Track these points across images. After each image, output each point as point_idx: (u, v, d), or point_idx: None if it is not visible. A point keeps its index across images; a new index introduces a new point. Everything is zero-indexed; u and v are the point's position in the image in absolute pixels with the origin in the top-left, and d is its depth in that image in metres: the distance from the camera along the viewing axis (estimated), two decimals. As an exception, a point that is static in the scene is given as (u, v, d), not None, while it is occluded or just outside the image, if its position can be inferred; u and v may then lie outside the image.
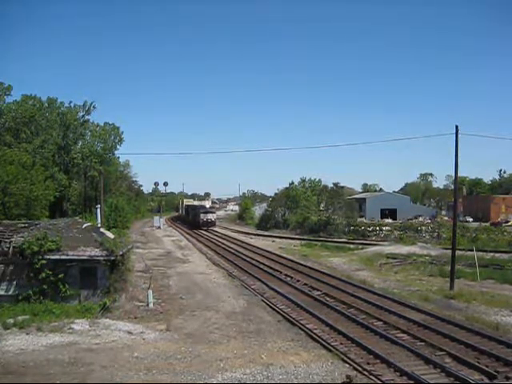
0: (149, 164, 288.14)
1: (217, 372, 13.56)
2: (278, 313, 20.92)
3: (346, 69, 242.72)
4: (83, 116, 68.75)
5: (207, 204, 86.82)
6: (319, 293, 24.91)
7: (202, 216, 74.12)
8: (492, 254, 38.19)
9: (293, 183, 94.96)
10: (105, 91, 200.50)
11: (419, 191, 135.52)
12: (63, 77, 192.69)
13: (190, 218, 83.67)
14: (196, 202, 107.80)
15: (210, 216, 75.25)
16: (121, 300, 22.02)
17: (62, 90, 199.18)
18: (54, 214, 53.33)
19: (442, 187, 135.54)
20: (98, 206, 35.58)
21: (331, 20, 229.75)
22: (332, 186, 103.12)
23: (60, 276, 20.79)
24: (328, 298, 23.61)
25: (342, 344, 16.31)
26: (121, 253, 22.13)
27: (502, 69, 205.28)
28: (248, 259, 38.20)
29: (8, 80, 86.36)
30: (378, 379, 13.24)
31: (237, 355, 15.06)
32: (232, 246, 48.86)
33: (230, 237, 59.39)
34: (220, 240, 55.45)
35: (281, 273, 31.46)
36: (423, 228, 58.78)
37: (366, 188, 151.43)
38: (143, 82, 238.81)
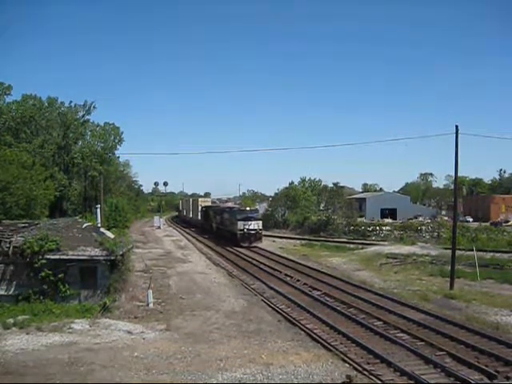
0: (149, 164, 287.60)
1: (217, 372, 13.55)
2: (278, 312, 20.92)
3: (345, 69, 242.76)
4: (83, 116, 68.87)
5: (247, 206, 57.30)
6: (319, 293, 24.92)
7: (240, 225, 46.77)
8: (492, 253, 38.20)
9: (293, 183, 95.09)
10: (105, 91, 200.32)
11: (419, 191, 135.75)
12: (63, 77, 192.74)
13: (214, 226, 58.92)
14: (225, 203, 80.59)
15: (254, 225, 47.29)
16: (121, 300, 22.02)
17: (62, 90, 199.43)
18: (54, 214, 53.28)
19: (442, 187, 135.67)
20: (98, 205, 35.63)
21: (331, 20, 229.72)
22: (332, 185, 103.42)
23: (60, 276, 20.79)
24: (328, 298, 23.62)
25: (341, 344, 16.32)
26: (121, 253, 22.12)
27: (502, 68, 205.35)
28: (248, 259, 38.20)
29: (8, 80, 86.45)
30: (378, 379, 13.24)
31: (237, 355, 15.05)
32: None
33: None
34: (220, 240, 55.39)
35: (281, 272, 31.46)
36: (423, 228, 58.82)
37: (366, 188, 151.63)
38: (143, 81, 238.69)
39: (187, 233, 68.19)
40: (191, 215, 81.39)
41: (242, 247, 45.14)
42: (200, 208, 71.61)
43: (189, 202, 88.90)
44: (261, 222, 48.84)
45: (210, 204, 73.54)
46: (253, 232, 47.13)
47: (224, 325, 18.84)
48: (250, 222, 47.22)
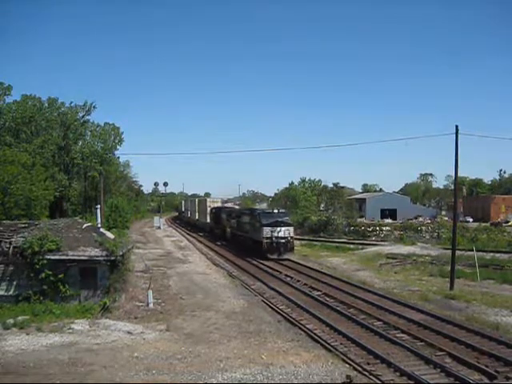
0: (149, 164, 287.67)
1: (217, 372, 13.55)
2: (278, 313, 20.92)
3: (345, 69, 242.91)
4: (83, 116, 68.82)
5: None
6: (319, 293, 24.93)
7: (266, 231, 38.13)
8: (492, 254, 38.18)
9: (293, 183, 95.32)
10: (105, 91, 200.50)
11: (419, 191, 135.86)
12: (63, 77, 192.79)
13: (229, 231, 51.04)
14: (225, 204, 69.88)
15: (285, 231, 38.55)
16: (121, 300, 22.01)
17: (62, 90, 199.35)
18: (54, 214, 53.37)
19: (442, 187, 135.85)
20: (98, 206, 35.50)
21: (331, 20, 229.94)
22: (332, 186, 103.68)
23: (60, 276, 20.77)
24: (328, 298, 23.63)
25: (341, 344, 16.32)
26: (121, 253, 22.12)
27: (502, 68, 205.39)
28: (248, 259, 38.17)
29: (8, 80, 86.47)
30: (378, 379, 13.24)
31: (237, 355, 15.06)
32: (232, 246, 48.76)
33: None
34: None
35: (281, 273, 31.48)
36: (423, 228, 58.86)
37: (366, 188, 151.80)
38: (143, 82, 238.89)
39: (187, 233, 67.97)
40: (197, 217, 73.53)
41: (268, 259, 37.02)
42: (209, 209, 63.41)
43: (194, 202, 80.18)
44: (292, 228, 39.71)
45: (220, 205, 65.16)
46: (283, 241, 38.27)
47: (224, 325, 18.83)
48: (279, 228, 38.18)
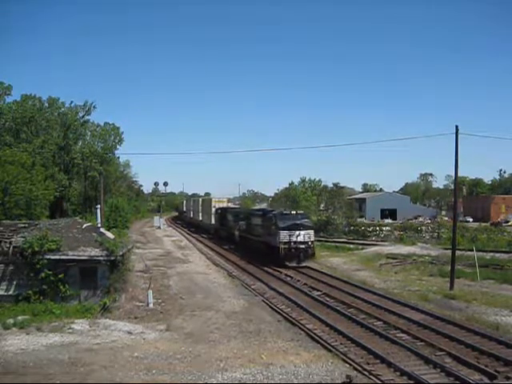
0: (149, 164, 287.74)
1: (217, 372, 13.55)
2: (278, 313, 20.93)
3: (345, 69, 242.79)
4: (83, 116, 68.78)
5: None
6: (319, 293, 24.93)
7: (283, 235, 33.90)
8: (492, 254, 38.16)
9: (293, 183, 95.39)
10: (105, 91, 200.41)
11: (419, 191, 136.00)
12: (63, 77, 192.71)
13: (237, 234, 47.21)
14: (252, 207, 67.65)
15: (305, 235, 34.40)
16: (121, 300, 22.02)
17: (62, 90, 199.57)
18: (54, 214, 53.35)
19: (442, 187, 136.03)
20: (98, 206, 35.53)
21: (331, 20, 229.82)
22: (332, 186, 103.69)
23: (60, 276, 20.78)
24: (328, 298, 23.63)
25: (341, 344, 16.32)
26: (121, 253, 22.13)
27: (502, 68, 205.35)
28: (249, 259, 38.17)
29: (8, 80, 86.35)
30: (378, 379, 13.24)
31: (237, 355, 15.06)
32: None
33: (230, 237, 58.82)
34: (220, 240, 55.31)
35: (281, 273, 31.48)
36: (423, 228, 58.93)
37: (366, 188, 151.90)
38: (143, 81, 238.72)
39: (187, 233, 67.87)
40: (200, 218, 70.19)
41: (286, 267, 33.01)
42: (214, 210, 59.87)
43: (197, 201, 75.68)
44: (312, 232, 35.32)
45: (226, 205, 61.63)
46: (302, 246, 34.06)
47: (224, 325, 18.84)
48: (298, 232, 33.95)
